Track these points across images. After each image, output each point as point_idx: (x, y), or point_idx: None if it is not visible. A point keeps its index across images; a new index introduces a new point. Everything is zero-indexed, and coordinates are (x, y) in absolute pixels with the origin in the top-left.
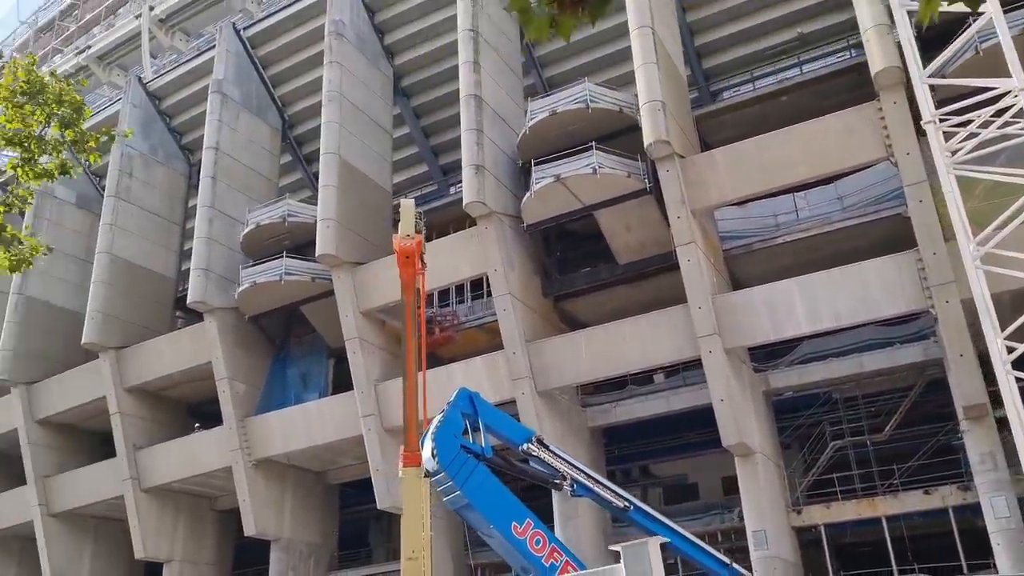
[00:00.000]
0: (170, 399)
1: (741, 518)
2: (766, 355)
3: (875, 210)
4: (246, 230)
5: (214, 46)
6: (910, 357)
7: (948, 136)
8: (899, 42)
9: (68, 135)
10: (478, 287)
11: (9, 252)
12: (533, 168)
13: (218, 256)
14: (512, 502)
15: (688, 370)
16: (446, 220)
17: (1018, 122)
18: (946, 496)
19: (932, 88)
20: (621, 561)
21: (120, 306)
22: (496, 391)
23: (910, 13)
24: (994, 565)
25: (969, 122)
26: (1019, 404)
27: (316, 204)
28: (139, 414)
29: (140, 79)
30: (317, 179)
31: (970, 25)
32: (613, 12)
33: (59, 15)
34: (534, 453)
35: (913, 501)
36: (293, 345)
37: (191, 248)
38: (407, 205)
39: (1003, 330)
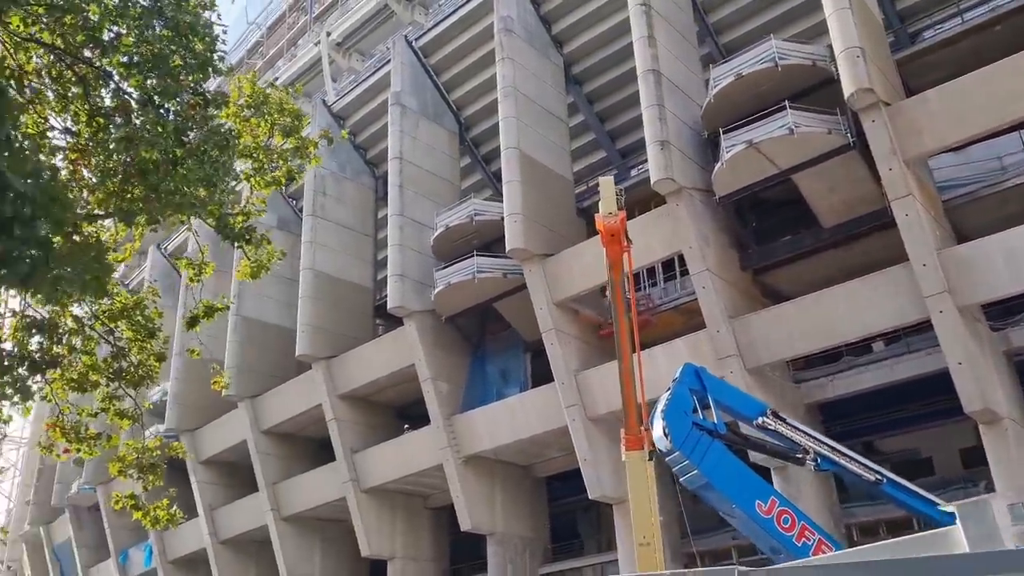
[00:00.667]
0: (379, 403)
1: (989, 491)
2: (1003, 311)
3: None
4: (436, 233)
5: (389, 61)
6: None
7: None
8: None
9: (291, 143)
10: (668, 268)
11: (250, 260)
12: (722, 136)
13: (411, 261)
14: (754, 479)
15: (911, 335)
16: (630, 203)
17: None
18: None
19: None
20: (957, 521)
21: (326, 318)
22: None
23: None
24: None
25: None
26: None
27: (500, 201)
28: (352, 419)
29: (324, 102)
30: (497, 178)
31: None
32: None
33: (246, 54)
34: (770, 427)
35: None
36: (489, 342)
37: (383, 258)
38: (606, 182)
39: None
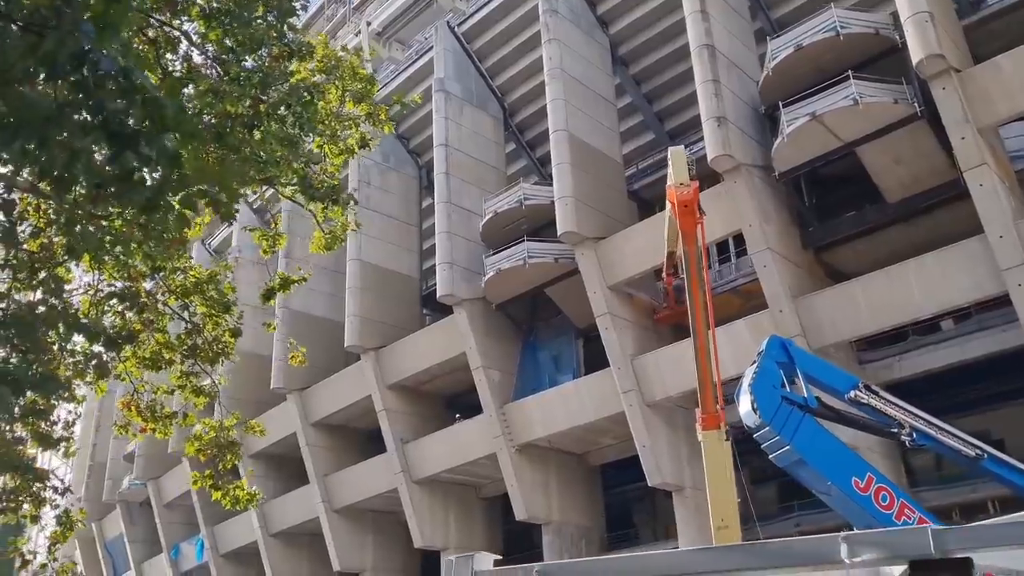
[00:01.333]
0: (428, 393)
1: None
2: None
3: None
4: (485, 219)
5: (430, 48)
6: None
7: None
8: None
9: (362, 109)
10: (722, 250)
11: (324, 230)
12: (782, 110)
13: (459, 249)
14: (849, 455)
15: (983, 312)
16: None
17: None
18: None
19: None
20: None
21: (374, 308)
22: None
23: None
24: None
25: None
26: None
27: (548, 186)
28: (402, 409)
29: None
30: (543, 164)
31: None
32: None
33: None
34: (863, 401)
35: None
36: (540, 329)
37: (428, 247)
38: (677, 152)
39: None
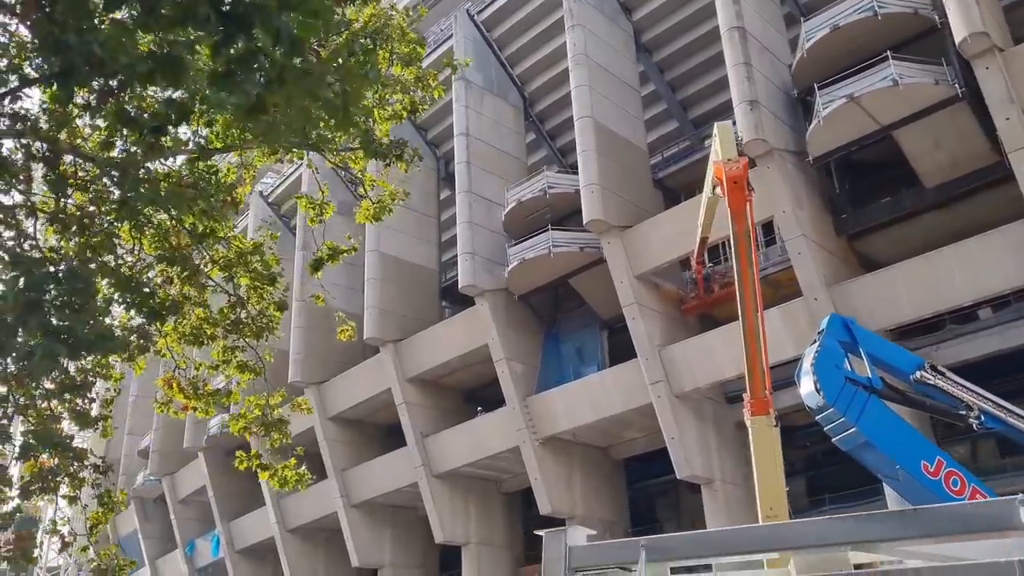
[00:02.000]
0: (447, 387)
1: None
2: None
3: None
4: (508, 208)
5: (450, 37)
6: None
7: None
8: None
9: (410, 73)
10: None
11: (371, 203)
12: (817, 93)
13: (481, 239)
14: (917, 437)
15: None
16: (704, 175)
17: None
18: None
19: None
20: None
21: (393, 300)
22: (798, 343)
23: None
24: None
25: None
26: None
27: (572, 175)
28: (422, 403)
29: None
30: (563, 153)
31: None
32: None
33: None
34: (929, 382)
35: None
36: (563, 321)
37: (447, 239)
38: (724, 127)
39: None
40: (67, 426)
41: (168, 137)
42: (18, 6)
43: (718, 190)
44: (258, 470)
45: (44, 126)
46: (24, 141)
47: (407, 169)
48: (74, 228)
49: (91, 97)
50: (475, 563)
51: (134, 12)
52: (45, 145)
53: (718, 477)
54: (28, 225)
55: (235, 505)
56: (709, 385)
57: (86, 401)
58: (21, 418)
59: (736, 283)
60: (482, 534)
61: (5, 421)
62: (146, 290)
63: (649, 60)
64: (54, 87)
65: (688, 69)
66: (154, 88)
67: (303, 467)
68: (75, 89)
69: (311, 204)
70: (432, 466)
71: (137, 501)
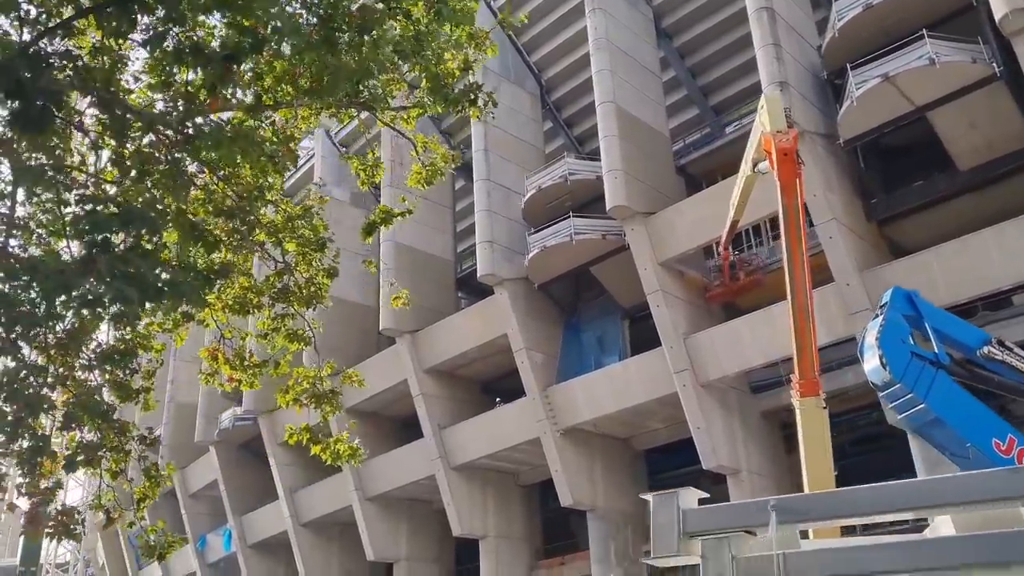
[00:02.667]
0: (464, 378)
1: None
2: None
3: None
4: (527, 195)
5: None
6: None
7: None
8: None
9: (464, 30)
10: (775, 226)
11: (424, 166)
12: (850, 73)
13: (499, 227)
14: (989, 414)
15: None
16: (726, 162)
17: None
18: None
19: None
20: None
21: (409, 291)
22: (828, 329)
23: None
24: None
25: None
26: None
27: (593, 161)
28: (439, 394)
29: None
30: (580, 142)
31: None
32: None
33: None
34: (997, 357)
35: None
36: (583, 310)
37: (462, 230)
38: (773, 97)
39: None
40: (108, 399)
41: (237, 68)
42: None
43: (761, 165)
44: (309, 444)
45: (97, 64)
46: (78, 79)
47: (480, 116)
48: (134, 173)
49: (149, 25)
50: (493, 556)
51: None
52: (98, 85)
53: (744, 467)
54: (91, 163)
55: (247, 499)
56: (736, 374)
57: (127, 372)
58: (60, 389)
59: (785, 260)
60: (500, 527)
61: (46, 390)
62: (210, 239)
63: (669, 45)
64: (111, 16)
65: (709, 55)
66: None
67: (356, 440)
68: (134, 17)
69: (361, 165)
70: (450, 458)
71: None
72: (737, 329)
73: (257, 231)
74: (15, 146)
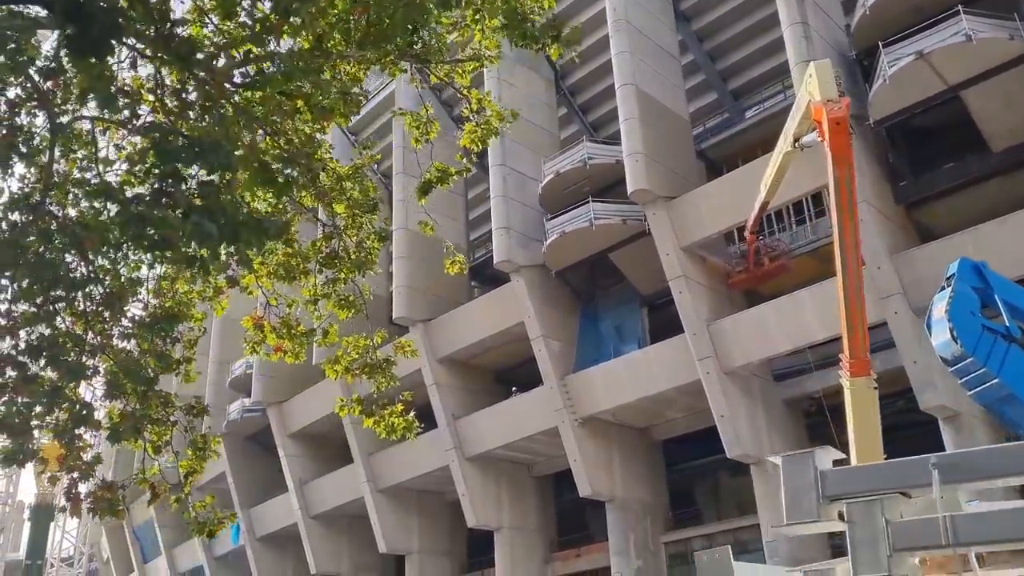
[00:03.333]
0: (479, 367)
1: None
2: None
3: None
4: (545, 180)
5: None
6: None
7: None
8: None
9: None
10: (798, 211)
11: (477, 126)
12: (882, 51)
13: (515, 214)
14: None
15: None
16: (746, 147)
17: None
18: None
19: None
20: None
21: (421, 279)
22: None
23: None
24: None
25: None
26: None
27: (612, 145)
28: (453, 384)
29: None
30: (595, 129)
31: None
32: None
33: None
34: None
35: None
36: (601, 298)
37: (474, 217)
38: (823, 65)
39: None
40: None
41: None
42: None
43: (805, 139)
44: (361, 416)
45: None
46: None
47: (559, 55)
48: (198, 107)
49: None
50: (508, 548)
51: None
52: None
53: (768, 456)
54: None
55: (256, 492)
56: (760, 361)
57: (168, 341)
58: (100, 357)
59: (836, 236)
60: (515, 518)
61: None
62: (282, 181)
63: (687, 29)
64: None
65: (728, 38)
66: None
67: (411, 414)
68: None
69: (415, 122)
70: (464, 449)
71: (152, 489)
72: (763, 314)
73: (305, 193)
74: (53, 95)
